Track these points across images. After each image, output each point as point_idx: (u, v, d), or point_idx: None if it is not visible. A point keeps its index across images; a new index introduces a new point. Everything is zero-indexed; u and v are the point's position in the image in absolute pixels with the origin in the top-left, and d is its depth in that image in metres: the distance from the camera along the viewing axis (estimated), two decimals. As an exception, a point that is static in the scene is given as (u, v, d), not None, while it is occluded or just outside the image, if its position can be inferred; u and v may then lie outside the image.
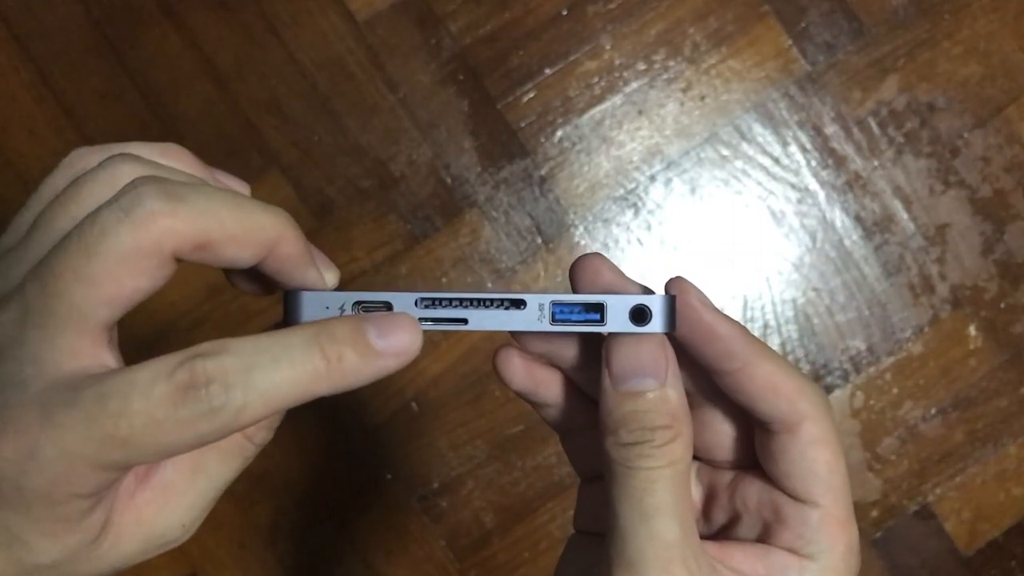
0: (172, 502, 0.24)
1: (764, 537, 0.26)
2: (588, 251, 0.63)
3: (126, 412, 0.20)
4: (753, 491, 0.26)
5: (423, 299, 0.23)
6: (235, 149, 0.64)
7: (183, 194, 0.21)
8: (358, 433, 0.63)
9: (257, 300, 0.63)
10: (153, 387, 0.20)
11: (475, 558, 0.63)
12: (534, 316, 0.24)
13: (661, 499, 0.23)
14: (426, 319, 0.24)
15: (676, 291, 0.25)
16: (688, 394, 0.26)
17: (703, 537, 0.27)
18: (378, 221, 0.64)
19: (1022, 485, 0.64)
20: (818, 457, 0.25)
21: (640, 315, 0.24)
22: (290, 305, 0.23)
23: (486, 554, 0.63)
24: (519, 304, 0.24)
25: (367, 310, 0.23)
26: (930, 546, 0.63)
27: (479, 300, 0.24)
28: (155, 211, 0.20)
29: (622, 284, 0.25)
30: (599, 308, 0.24)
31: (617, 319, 0.24)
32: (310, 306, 0.23)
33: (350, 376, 0.22)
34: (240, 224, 0.21)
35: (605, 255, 0.26)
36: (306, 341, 0.21)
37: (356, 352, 0.22)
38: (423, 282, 0.64)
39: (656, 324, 0.24)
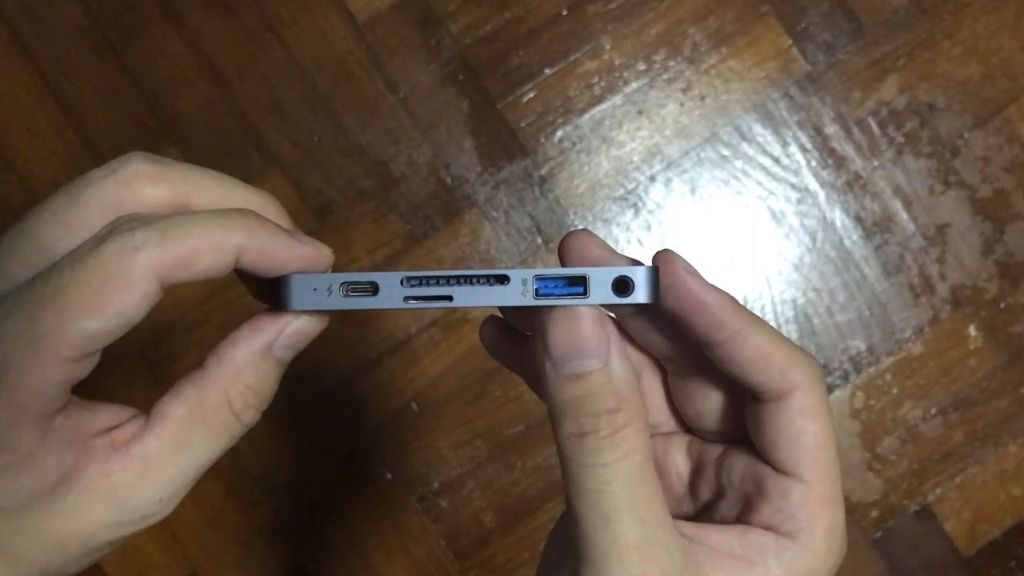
0: (150, 474, 0.23)
1: (745, 514, 0.25)
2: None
3: (63, 280, 0.21)
4: (739, 464, 0.25)
5: (408, 278, 0.23)
6: (235, 149, 0.64)
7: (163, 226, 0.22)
8: (358, 433, 0.63)
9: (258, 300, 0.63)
10: (80, 249, 0.21)
11: (475, 558, 0.63)
12: (518, 291, 0.23)
13: (620, 499, 0.22)
14: (412, 297, 0.23)
15: (662, 262, 0.24)
16: (677, 365, 0.26)
17: (685, 515, 0.26)
18: (378, 221, 0.64)
19: (1022, 485, 0.64)
20: (807, 428, 0.24)
21: (623, 286, 0.23)
22: (280, 289, 0.24)
23: (486, 554, 0.63)
24: (503, 280, 0.23)
25: (355, 290, 0.23)
26: (930, 546, 0.63)
27: (464, 277, 0.23)
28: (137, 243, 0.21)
29: (609, 258, 0.24)
30: (582, 281, 0.23)
31: (600, 291, 0.23)
32: (298, 288, 0.24)
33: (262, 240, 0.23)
34: (203, 240, 0.22)
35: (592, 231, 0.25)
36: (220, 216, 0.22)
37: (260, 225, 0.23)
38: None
39: (640, 295, 0.23)
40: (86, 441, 0.22)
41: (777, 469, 0.24)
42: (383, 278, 0.23)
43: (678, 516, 0.27)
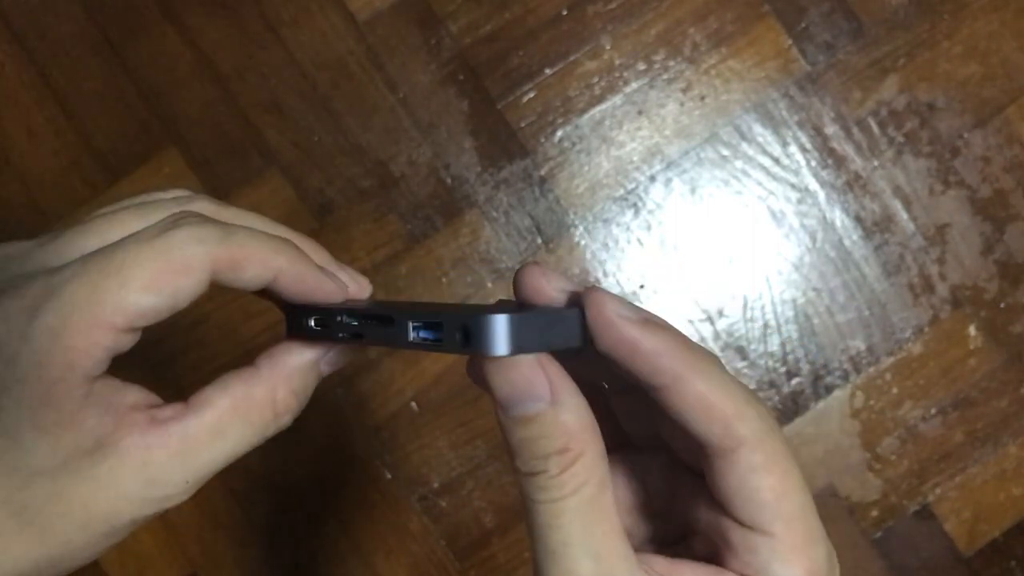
0: (185, 454, 0.24)
1: (717, 558, 0.23)
2: (585, 252, 0.63)
3: (129, 256, 0.22)
4: (703, 512, 0.24)
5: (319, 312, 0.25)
6: (235, 149, 0.64)
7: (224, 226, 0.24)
8: (358, 433, 0.63)
9: (257, 301, 0.63)
10: (147, 231, 0.23)
11: (475, 558, 0.63)
12: (405, 333, 0.23)
13: (568, 533, 0.21)
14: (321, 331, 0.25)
15: (589, 303, 0.22)
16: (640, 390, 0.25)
17: (665, 535, 0.26)
18: (378, 221, 0.64)
19: (1022, 485, 0.64)
20: (760, 484, 0.22)
21: (467, 334, 0.21)
22: (286, 317, 0.26)
23: (486, 554, 0.63)
24: (389, 321, 0.23)
25: (321, 324, 0.26)
26: (930, 546, 0.63)
27: (365, 314, 0.24)
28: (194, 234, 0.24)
29: (552, 295, 0.24)
30: (437, 327, 0.22)
31: (452, 339, 0.21)
32: (295, 317, 0.26)
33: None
34: (255, 251, 0.24)
35: (542, 265, 0.25)
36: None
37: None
38: (423, 282, 0.64)
39: (494, 345, 0.20)
40: (124, 412, 0.23)
41: (739, 523, 0.22)
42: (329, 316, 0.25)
43: (655, 538, 0.26)
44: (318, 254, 0.28)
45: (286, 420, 0.26)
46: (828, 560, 0.23)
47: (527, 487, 0.22)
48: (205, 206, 0.26)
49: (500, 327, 0.21)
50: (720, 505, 0.23)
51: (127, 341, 0.23)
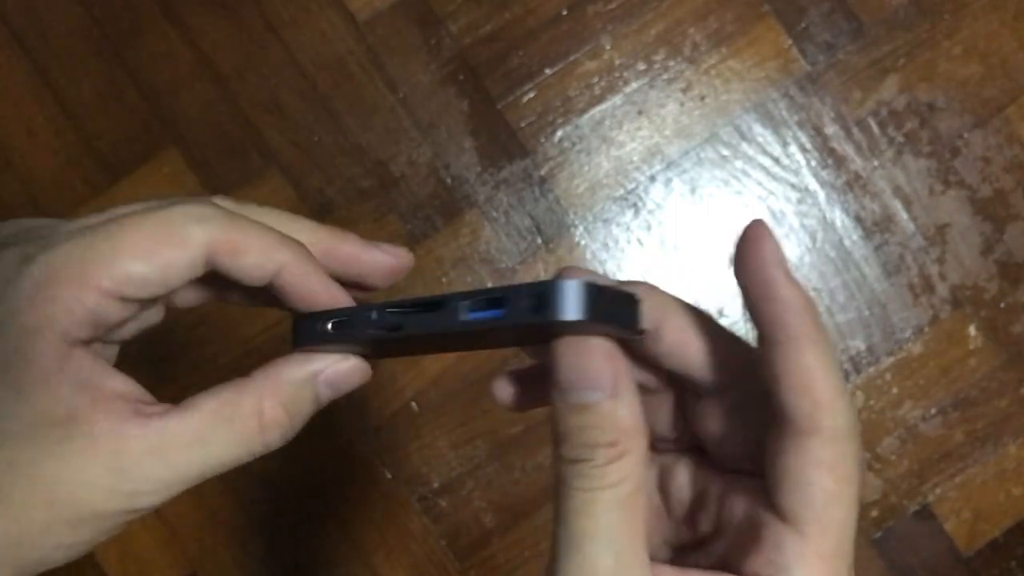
0: (161, 452, 0.23)
1: (737, 558, 0.23)
2: (585, 252, 0.63)
3: (127, 222, 0.23)
4: (740, 501, 0.23)
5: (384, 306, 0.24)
6: (235, 149, 0.64)
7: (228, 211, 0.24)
8: (358, 433, 0.63)
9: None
10: (150, 204, 0.23)
11: (475, 558, 0.63)
12: (454, 316, 0.22)
13: (596, 523, 0.21)
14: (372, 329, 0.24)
15: (752, 236, 0.22)
16: (697, 383, 0.25)
17: (679, 543, 0.25)
18: (378, 221, 0.64)
19: (1022, 485, 0.64)
20: (819, 480, 0.21)
21: (539, 301, 0.20)
22: (294, 326, 0.25)
23: (486, 554, 0.63)
24: (434, 307, 0.22)
25: (341, 326, 0.25)
26: (930, 546, 0.63)
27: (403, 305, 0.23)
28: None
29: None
30: (498, 302, 0.21)
31: (519, 310, 0.21)
32: (303, 325, 0.25)
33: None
34: (258, 240, 0.24)
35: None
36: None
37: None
38: (423, 282, 0.64)
39: (568, 310, 0.20)
40: (106, 395, 0.23)
41: (778, 514, 0.22)
42: (357, 311, 0.24)
43: (672, 543, 0.26)
44: (346, 242, 0.27)
45: (273, 437, 0.25)
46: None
47: (567, 473, 0.22)
48: (224, 202, 0.26)
49: (576, 291, 0.20)
50: (769, 485, 0.22)
51: (113, 310, 0.22)
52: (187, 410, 0.23)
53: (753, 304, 0.22)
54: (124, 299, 0.23)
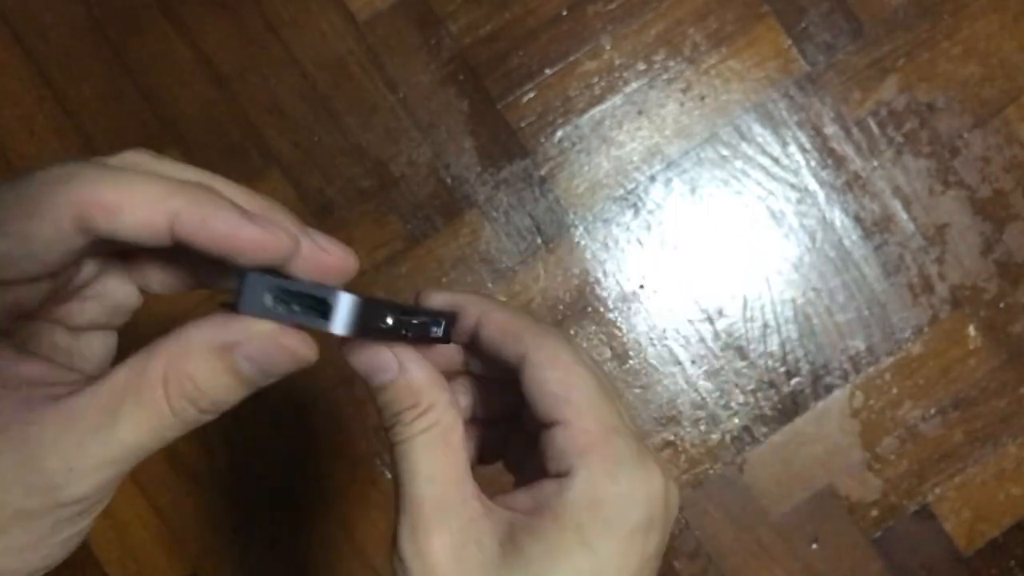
0: (69, 432, 0.20)
1: (544, 470, 0.26)
2: (585, 252, 0.63)
3: None
4: (526, 438, 0.28)
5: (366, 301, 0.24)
6: (235, 149, 0.64)
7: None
8: (358, 433, 0.63)
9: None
10: (28, 172, 0.21)
11: (475, 558, 0.63)
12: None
13: (414, 463, 0.25)
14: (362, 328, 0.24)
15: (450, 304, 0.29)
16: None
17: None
18: (378, 221, 0.64)
19: (1021, 485, 0.64)
20: (547, 377, 0.26)
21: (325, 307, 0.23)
22: (236, 284, 0.22)
23: (486, 554, 0.63)
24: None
25: (292, 302, 0.22)
26: (929, 546, 0.63)
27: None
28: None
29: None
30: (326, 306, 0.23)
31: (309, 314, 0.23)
32: (250, 287, 0.22)
33: None
34: (136, 193, 0.21)
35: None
36: None
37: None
38: (423, 282, 0.64)
39: (337, 325, 0.22)
40: (15, 385, 0.21)
41: (544, 425, 0.26)
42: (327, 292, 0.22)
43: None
44: (252, 201, 0.23)
45: (183, 408, 0.21)
46: (629, 453, 0.25)
47: (390, 437, 0.26)
48: (140, 156, 0.23)
49: (352, 309, 0.23)
50: (532, 419, 0.27)
51: None
52: (99, 383, 0.21)
53: (461, 315, 0.29)
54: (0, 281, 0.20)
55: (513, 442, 0.32)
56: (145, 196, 0.20)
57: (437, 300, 0.29)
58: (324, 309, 0.22)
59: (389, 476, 0.63)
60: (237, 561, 0.63)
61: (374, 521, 0.63)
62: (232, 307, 0.22)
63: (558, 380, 0.26)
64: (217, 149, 0.64)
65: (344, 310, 0.22)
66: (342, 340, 0.25)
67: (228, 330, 0.22)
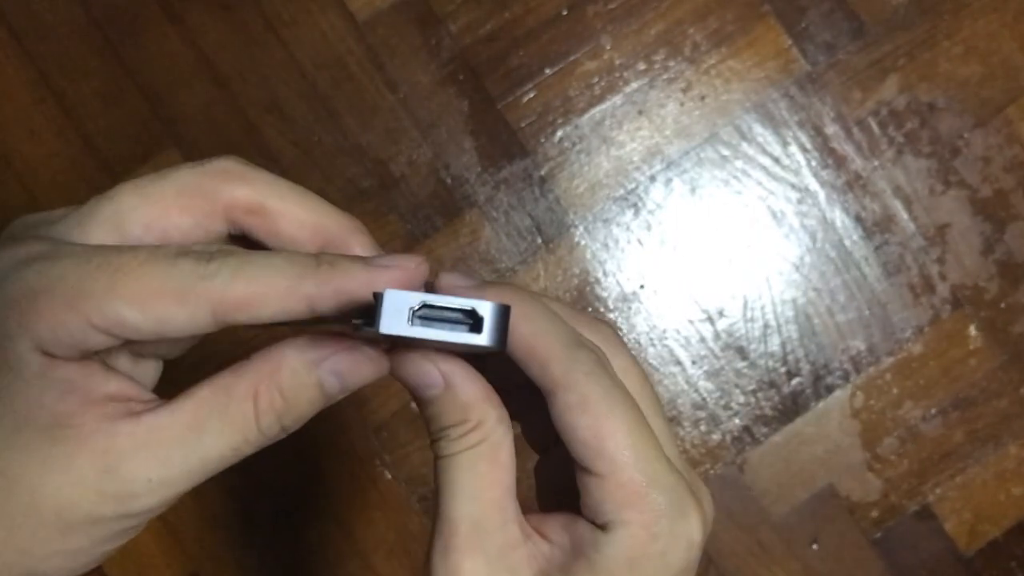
0: (151, 445, 0.22)
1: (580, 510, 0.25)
2: (585, 252, 0.63)
3: (131, 264, 0.21)
4: (566, 464, 0.26)
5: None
6: (235, 149, 0.64)
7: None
8: (358, 433, 0.63)
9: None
10: (162, 249, 0.22)
11: (475, 558, 0.63)
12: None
13: (455, 480, 0.24)
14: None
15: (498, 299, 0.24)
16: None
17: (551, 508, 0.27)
18: (378, 221, 0.64)
19: (1022, 485, 0.64)
20: (577, 424, 0.23)
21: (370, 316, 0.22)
22: (375, 308, 0.22)
23: (486, 554, 0.63)
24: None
25: (436, 317, 0.22)
26: (930, 546, 0.63)
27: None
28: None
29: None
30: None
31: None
32: (389, 307, 0.22)
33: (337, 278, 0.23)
34: (270, 288, 0.22)
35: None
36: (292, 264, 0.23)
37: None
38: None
39: (487, 337, 0.22)
40: (95, 398, 0.22)
41: (580, 466, 0.24)
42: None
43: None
44: (361, 238, 0.25)
45: (269, 424, 0.24)
46: (670, 507, 0.23)
47: (434, 449, 0.25)
48: (230, 166, 0.24)
49: (498, 316, 0.22)
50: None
51: (98, 341, 0.22)
52: (180, 399, 0.22)
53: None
54: (113, 336, 0.22)
55: (530, 409, 0.29)
56: (277, 289, 0.22)
57: (461, 288, 0.26)
58: (473, 321, 0.22)
59: (389, 476, 0.63)
60: (237, 561, 0.63)
61: (374, 521, 0.63)
62: (358, 327, 0.22)
63: (589, 427, 0.23)
64: (217, 149, 0.64)
65: (493, 320, 0.22)
66: (388, 348, 0.25)
67: (317, 347, 0.24)
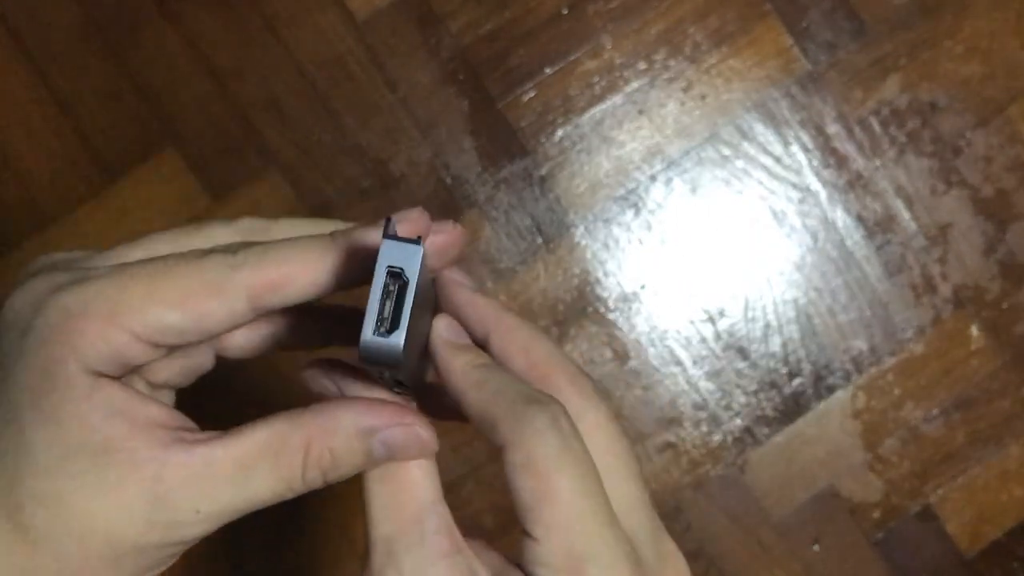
0: (203, 479, 0.22)
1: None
2: (585, 252, 0.63)
3: (161, 270, 0.22)
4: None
5: None
6: (234, 149, 0.64)
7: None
8: (358, 434, 0.63)
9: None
10: (187, 254, 0.23)
11: (475, 559, 0.63)
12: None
13: (366, 498, 0.24)
14: None
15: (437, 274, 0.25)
16: None
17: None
18: (378, 221, 0.63)
19: (1024, 486, 0.63)
20: (520, 485, 0.22)
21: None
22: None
23: (486, 555, 0.63)
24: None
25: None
26: (932, 547, 0.63)
27: None
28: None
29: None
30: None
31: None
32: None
33: None
34: (297, 265, 0.23)
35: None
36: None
37: None
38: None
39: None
40: (143, 423, 0.22)
41: (521, 523, 0.23)
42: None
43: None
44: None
45: (312, 477, 0.24)
46: None
47: None
48: (256, 223, 0.25)
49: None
50: None
51: (142, 353, 0.22)
52: (235, 438, 0.23)
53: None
54: (155, 344, 0.22)
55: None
56: (305, 266, 0.22)
57: (460, 284, 0.26)
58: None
59: (389, 477, 0.63)
60: (237, 561, 0.63)
61: (374, 522, 0.63)
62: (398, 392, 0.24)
63: (530, 490, 0.22)
64: (216, 148, 0.64)
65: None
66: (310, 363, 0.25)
67: (374, 415, 0.23)
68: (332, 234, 0.23)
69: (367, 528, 0.24)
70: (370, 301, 0.20)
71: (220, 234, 0.25)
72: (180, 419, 0.23)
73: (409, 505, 0.24)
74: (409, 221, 0.24)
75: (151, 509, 0.21)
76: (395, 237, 0.21)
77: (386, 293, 0.20)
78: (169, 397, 0.27)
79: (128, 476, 0.21)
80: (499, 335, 0.25)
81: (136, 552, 0.22)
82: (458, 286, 0.26)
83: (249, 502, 0.23)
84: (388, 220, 0.22)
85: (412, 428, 0.23)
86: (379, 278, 0.20)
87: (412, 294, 0.20)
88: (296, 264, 0.22)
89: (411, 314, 0.20)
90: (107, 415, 0.21)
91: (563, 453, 0.22)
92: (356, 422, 0.23)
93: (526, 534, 0.23)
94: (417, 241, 0.21)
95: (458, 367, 0.24)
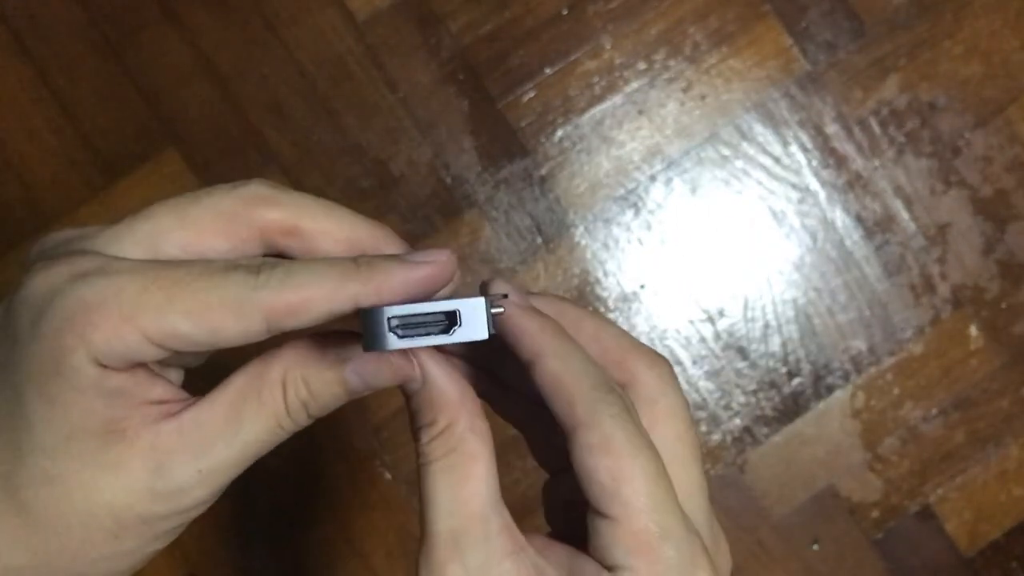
0: (196, 438, 0.23)
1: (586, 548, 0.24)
2: (585, 252, 0.63)
3: (186, 278, 0.22)
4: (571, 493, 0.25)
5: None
6: (235, 149, 0.64)
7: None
8: (358, 433, 0.63)
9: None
10: (214, 264, 0.23)
11: (475, 559, 0.63)
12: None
13: (432, 492, 0.24)
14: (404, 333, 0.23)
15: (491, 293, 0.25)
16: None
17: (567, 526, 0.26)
18: (378, 221, 0.63)
19: (1023, 485, 0.63)
20: (596, 464, 0.23)
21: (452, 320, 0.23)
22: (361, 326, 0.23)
23: (486, 555, 0.63)
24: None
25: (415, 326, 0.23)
26: (931, 547, 0.63)
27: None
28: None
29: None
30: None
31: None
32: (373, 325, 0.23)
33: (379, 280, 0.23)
34: (317, 291, 0.23)
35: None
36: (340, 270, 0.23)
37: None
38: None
39: (477, 331, 0.23)
40: (141, 403, 0.23)
41: (592, 506, 0.23)
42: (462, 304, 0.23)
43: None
44: (393, 242, 0.26)
45: (296, 410, 0.24)
46: (680, 557, 0.23)
47: (417, 454, 0.25)
48: (261, 190, 0.25)
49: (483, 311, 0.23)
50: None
51: (150, 353, 0.22)
52: (217, 392, 0.23)
53: (504, 338, 0.25)
54: (168, 348, 0.22)
55: (538, 424, 0.28)
56: (324, 293, 0.22)
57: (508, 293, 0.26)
58: (448, 320, 0.22)
59: (389, 477, 0.63)
60: (236, 561, 0.63)
61: (373, 521, 0.63)
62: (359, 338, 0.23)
63: (608, 469, 0.23)
64: (216, 148, 0.64)
65: (477, 315, 0.22)
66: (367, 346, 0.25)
67: (344, 346, 0.24)
68: (356, 261, 0.23)
69: (426, 519, 0.25)
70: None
71: (224, 203, 0.24)
72: (180, 395, 0.24)
73: (474, 500, 0.24)
74: (435, 264, 0.24)
75: (152, 478, 0.22)
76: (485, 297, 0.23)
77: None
78: (177, 376, 0.27)
79: (127, 451, 0.22)
80: (566, 327, 0.25)
81: (141, 523, 0.23)
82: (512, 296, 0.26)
83: (245, 449, 0.24)
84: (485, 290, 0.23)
85: (384, 357, 0.24)
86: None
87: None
88: (317, 290, 0.22)
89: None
90: (110, 400, 0.22)
91: (637, 437, 0.23)
92: (326, 352, 0.24)
93: (599, 514, 0.23)
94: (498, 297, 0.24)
95: (536, 328, 0.24)
